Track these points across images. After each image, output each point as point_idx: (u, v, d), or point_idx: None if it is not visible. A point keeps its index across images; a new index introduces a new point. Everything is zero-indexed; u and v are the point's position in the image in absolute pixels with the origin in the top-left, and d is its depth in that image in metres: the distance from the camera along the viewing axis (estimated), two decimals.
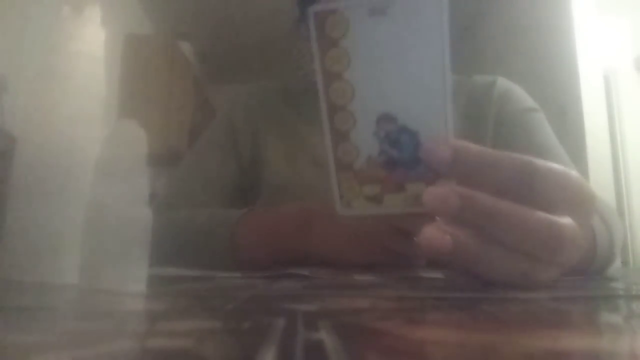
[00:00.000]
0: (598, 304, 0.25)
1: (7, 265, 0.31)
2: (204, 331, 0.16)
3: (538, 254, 0.27)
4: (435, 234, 0.27)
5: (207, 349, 0.13)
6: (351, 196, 0.32)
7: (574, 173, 0.29)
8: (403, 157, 0.30)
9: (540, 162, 0.28)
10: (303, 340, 0.14)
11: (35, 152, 0.33)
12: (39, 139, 0.33)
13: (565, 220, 0.27)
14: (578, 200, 0.29)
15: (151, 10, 3.01)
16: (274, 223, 0.55)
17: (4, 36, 1.47)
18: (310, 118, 0.72)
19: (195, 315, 0.20)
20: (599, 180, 1.90)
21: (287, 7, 0.81)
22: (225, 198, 0.70)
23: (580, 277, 0.45)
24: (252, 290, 0.29)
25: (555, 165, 0.29)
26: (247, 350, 0.13)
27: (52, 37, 0.35)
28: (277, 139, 0.72)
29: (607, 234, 0.48)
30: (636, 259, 1.99)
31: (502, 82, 0.73)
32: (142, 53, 2.62)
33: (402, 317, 0.20)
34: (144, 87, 2.55)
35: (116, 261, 0.28)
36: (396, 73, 0.29)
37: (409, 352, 0.13)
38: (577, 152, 1.93)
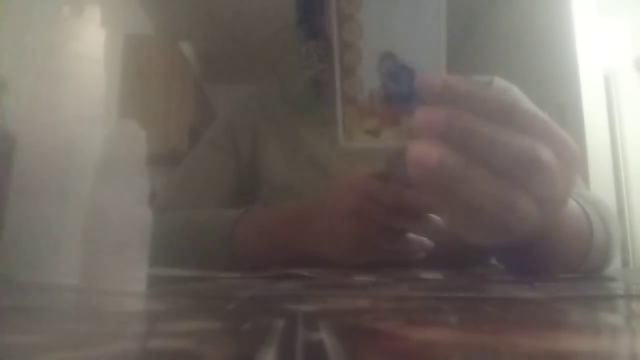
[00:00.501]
0: (598, 304, 0.25)
1: (7, 265, 0.31)
2: (204, 332, 0.16)
3: (516, 178, 0.28)
4: (422, 148, 0.28)
5: (207, 350, 0.13)
6: (353, 129, 0.35)
7: (557, 125, 0.30)
8: (400, 91, 0.33)
9: (525, 104, 0.30)
10: (303, 340, 0.14)
11: (35, 152, 0.33)
12: (39, 139, 0.33)
13: (545, 150, 0.28)
14: (559, 147, 0.30)
15: (151, 11, 3.01)
16: (271, 222, 0.55)
17: (4, 36, 1.47)
18: (309, 118, 0.72)
19: (196, 316, 0.20)
20: (599, 180, 1.90)
21: (287, 7, 0.81)
22: (224, 198, 0.70)
23: (579, 275, 0.45)
24: (252, 291, 0.29)
25: (540, 112, 0.30)
26: (247, 350, 0.13)
27: (52, 38, 0.35)
28: (276, 140, 0.72)
29: (604, 229, 0.48)
30: (636, 259, 1.99)
31: (499, 83, 0.73)
32: (142, 53, 2.62)
33: (402, 317, 0.20)
34: (144, 87, 2.56)
35: (116, 261, 0.28)
36: (400, 15, 0.32)
37: (409, 352, 0.13)
38: None
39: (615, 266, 0.53)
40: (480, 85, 0.31)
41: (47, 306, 0.23)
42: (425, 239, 0.48)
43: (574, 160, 0.31)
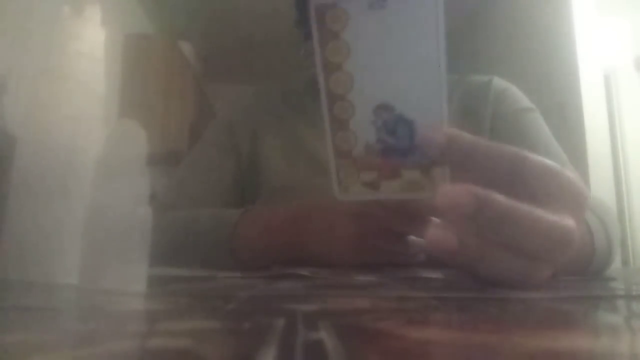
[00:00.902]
0: (598, 304, 0.25)
1: (7, 265, 0.31)
2: (204, 331, 0.16)
3: (542, 255, 0.27)
4: (441, 235, 0.27)
5: (207, 349, 0.13)
6: (349, 182, 0.33)
7: (566, 170, 0.30)
8: (399, 144, 0.31)
9: (532, 155, 0.29)
10: (303, 340, 0.14)
11: (35, 152, 0.33)
12: (39, 139, 0.33)
13: (570, 222, 0.27)
14: (570, 195, 0.29)
15: (151, 10, 3.01)
16: (272, 222, 0.55)
17: (4, 36, 1.47)
18: (308, 118, 0.72)
19: (195, 315, 0.20)
20: (599, 180, 1.90)
21: (287, 8, 0.82)
22: (225, 198, 0.70)
23: (579, 277, 0.45)
24: (252, 290, 0.29)
25: (547, 161, 0.29)
26: (247, 350, 0.13)
27: (52, 37, 0.35)
28: (275, 139, 0.72)
29: (605, 234, 0.48)
30: (636, 259, 1.99)
31: (498, 82, 0.72)
32: (142, 53, 2.62)
33: (402, 317, 0.20)
34: (144, 87, 2.55)
35: (116, 261, 0.28)
36: (394, 64, 0.30)
37: (409, 352, 0.13)
38: (577, 152, 1.93)
39: (615, 266, 0.53)
40: (482, 141, 0.30)
41: (47, 306, 0.23)
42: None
43: (584, 204, 0.30)
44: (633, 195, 2.09)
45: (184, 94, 2.89)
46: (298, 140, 0.71)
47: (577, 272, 0.45)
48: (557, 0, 2.14)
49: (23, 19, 1.51)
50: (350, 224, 0.47)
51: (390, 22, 0.29)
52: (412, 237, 0.47)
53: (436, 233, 0.27)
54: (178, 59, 2.88)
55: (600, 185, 1.89)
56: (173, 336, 0.15)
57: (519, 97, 0.72)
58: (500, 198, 0.26)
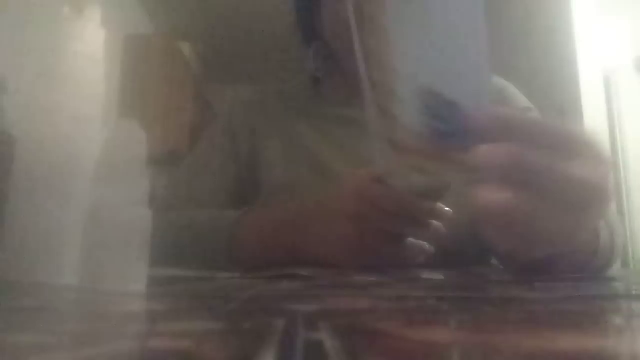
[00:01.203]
0: (598, 304, 0.25)
1: (7, 265, 0.31)
2: (204, 332, 0.16)
3: (583, 205, 0.28)
4: (491, 195, 0.27)
5: (207, 350, 0.13)
6: (397, 167, 0.33)
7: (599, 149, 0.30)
8: (446, 128, 0.30)
9: (572, 128, 0.30)
10: (303, 340, 0.14)
11: (35, 152, 0.33)
12: (39, 139, 0.33)
13: (601, 173, 0.29)
14: (597, 162, 0.30)
15: (151, 11, 3.01)
16: (270, 223, 0.55)
17: (4, 36, 1.47)
18: (308, 118, 0.72)
19: (196, 316, 0.20)
20: None
21: (287, 7, 0.81)
22: (225, 199, 0.70)
23: (582, 274, 0.45)
24: (252, 291, 0.29)
25: (584, 130, 0.30)
26: (247, 350, 0.13)
27: (52, 38, 0.35)
28: (275, 140, 0.72)
29: (609, 232, 0.48)
30: (636, 259, 1.99)
31: (496, 82, 0.72)
32: (142, 54, 2.62)
33: (402, 317, 0.20)
34: (144, 87, 2.55)
35: (116, 262, 0.28)
36: (435, 48, 0.30)
37: (409, 352, 0.13)
38: None
39: (615, 267, 0.53)
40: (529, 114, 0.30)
41: (47, 306, 0.23)
42: (425, 244, 0.47)
43: (609, 169, 0.31)
44: (633, 195, 2.09)
45: (184, 95, 2.89)
46: (297, 139, 0.71)
47: (582, 266, 0.45)
48: (557, 0, 2.14)
49: (23, 20, 1.51)
50: (347, 226, 0.47)
51: (430, 6, 0.29)
52: (411, 240, 0.47)
53: (486, 195, 0.27)
54: (178, 60, 2.88)
55: None
56: (173, 337, 0.15)
57: (517, 96, 0.72)
58: (533, 155, 0.27)
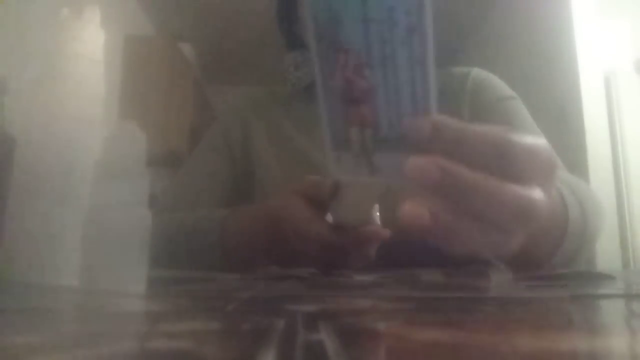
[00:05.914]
0: (598, 304, 0.25)
1: (7, 265, 0.31)
2: (204, 332, 0.16)
3: (509, 226, 0.28)
4: (414, 209, 0.27)
5: (207, 350, 0.13)
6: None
7: (542, 143, 0.30)
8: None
9: (514, 135, 0.29)
10: (303, 341, 0.14)
11: (35, 153, 0.33)
12: (39, 139, 0.33)
13: (536, 194, 0.28)
14: (547, 170, 0.30)
15: (151, 12, 3.01)
16: (251, 221, 0.55)
17: (4, 37, 1.47)
18: (296, 119, 0.74)
19: (195, 317, 0.20)
20: (599, 181, 1.90)
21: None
22: (222, 199, 0.72)
23: (556, 257, 0.45)
24: (251, 291, 0.29)
25: (527, 138, 0.30)
26: (247, 351, 0.13)
27: (52, 39, 0.35)
28: (267, 141, 0.74)
29: (580, 208, 0.48)
30: (636, 259, 1.99)
31: (477, 73, 0.73)
32: (142, 54, 2.62)
33: (402, 317, 0.20)
34: (144, 88, 2.55)
35: (116, 262, 0.28)
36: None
37: (409, 352, 0.13)
38: (577, 152, 1.93)
39: (615, 267, 0.53)
40: (467, 126, 0.30)
41: (47, 306, 0.23)
42: (379, 229, 0.48)
43: (555, 175, 0.31)
44: (633, 195, 2.09)
45: (183, 95, 2.89)
46: (288, 140, 0.73)
47: (552, 247, 0.46)
48: (558, 1, 2.14)
49: (23, 20, 1.51)
50: (307, 232, 0.47)
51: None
52: (362, 230, 0.47)
53: (410, 208, 0.27)
54: (178, 60, 2.88)
55: (600, 186, 1.89)
56: (173, 337, 0.15)
57: (499, 86, 0.72)
58: (465, 171, 0.27)
